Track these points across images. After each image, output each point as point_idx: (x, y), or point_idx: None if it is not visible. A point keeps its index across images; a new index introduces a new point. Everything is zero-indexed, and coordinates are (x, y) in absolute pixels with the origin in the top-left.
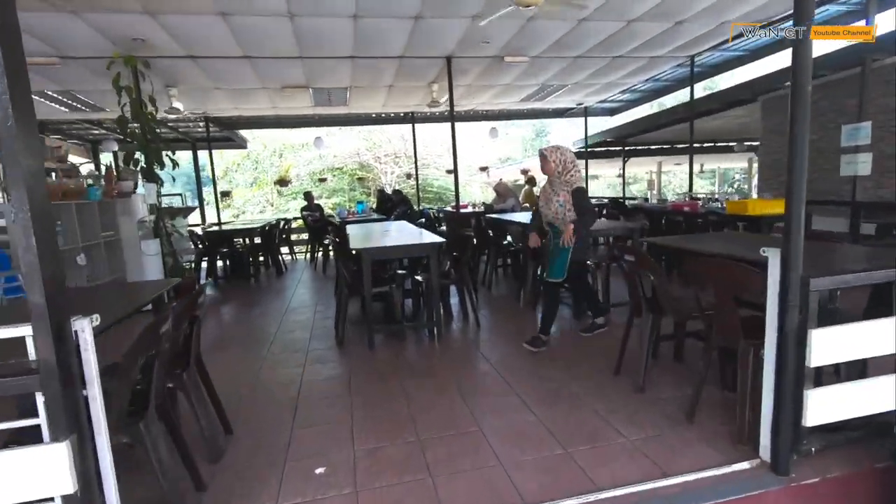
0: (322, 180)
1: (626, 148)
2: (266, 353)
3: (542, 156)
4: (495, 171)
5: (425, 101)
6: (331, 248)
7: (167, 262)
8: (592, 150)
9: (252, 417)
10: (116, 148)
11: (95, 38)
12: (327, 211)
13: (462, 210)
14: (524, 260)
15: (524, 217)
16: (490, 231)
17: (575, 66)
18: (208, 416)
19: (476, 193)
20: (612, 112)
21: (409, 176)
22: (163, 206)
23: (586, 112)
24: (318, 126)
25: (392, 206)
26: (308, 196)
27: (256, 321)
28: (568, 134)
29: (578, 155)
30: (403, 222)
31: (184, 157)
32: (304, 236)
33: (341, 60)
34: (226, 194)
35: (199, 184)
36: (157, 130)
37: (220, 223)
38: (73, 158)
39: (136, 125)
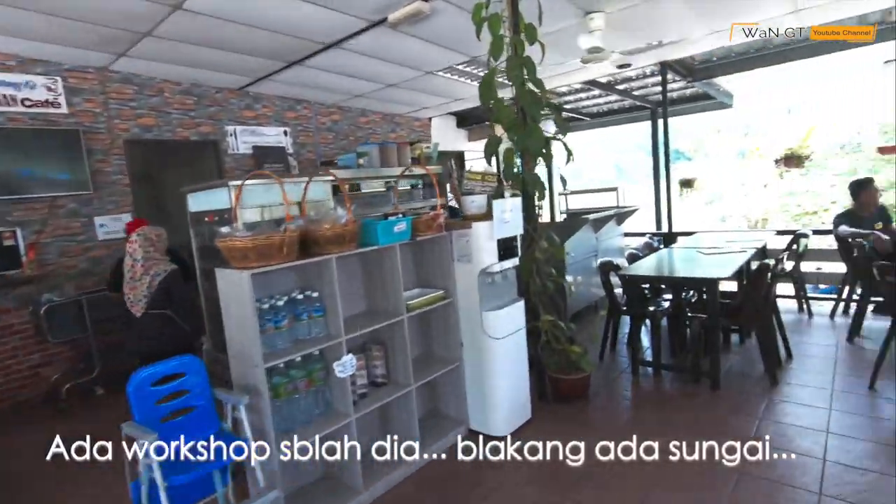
0: (886, 150)
1: None
2: None
3: None
4: None
5: None
6: None
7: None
8: None
9: None
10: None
11: None
12: None
13: None
14: None
15: None
16: None
17: None
18: None
19: None
20: None
21: None
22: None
23: None
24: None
25: None
26: (864, 187)
27: None
28: None
29: None
30: None
31: (634, 132)
32: (833, 267)
33: None
34: (686, 184)
35: (656, 172)
36: (542, 99)
37: (670, 233)
38: None
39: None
